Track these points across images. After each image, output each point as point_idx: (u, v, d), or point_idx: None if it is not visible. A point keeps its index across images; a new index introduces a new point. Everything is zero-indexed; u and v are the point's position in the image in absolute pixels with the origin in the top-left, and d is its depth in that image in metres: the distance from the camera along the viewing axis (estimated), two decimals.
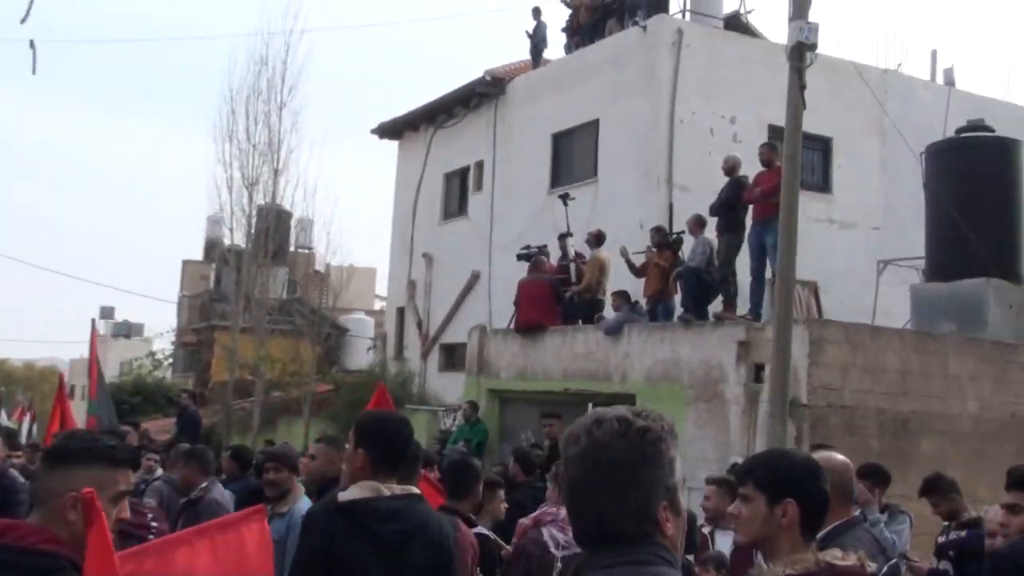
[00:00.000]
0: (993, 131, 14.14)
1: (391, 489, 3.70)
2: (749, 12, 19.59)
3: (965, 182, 13.39)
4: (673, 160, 17.08)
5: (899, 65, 19.32)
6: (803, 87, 10.17)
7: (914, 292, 14.08)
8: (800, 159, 10.45)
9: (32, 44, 12.64)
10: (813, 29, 10.00)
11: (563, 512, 5.84)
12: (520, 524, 6.38)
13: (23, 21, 12.45)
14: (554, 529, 6.19)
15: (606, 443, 2.09)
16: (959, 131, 14.17)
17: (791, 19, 10.15)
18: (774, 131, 17.47)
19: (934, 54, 19.92)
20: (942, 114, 18.73)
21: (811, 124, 14.41)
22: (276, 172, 21.64)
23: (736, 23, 19.40)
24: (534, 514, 6.39)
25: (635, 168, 17.44)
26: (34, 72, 13.13)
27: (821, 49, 11.40)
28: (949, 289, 13.29)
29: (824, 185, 18.75)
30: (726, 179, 16.30)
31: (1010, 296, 13.24)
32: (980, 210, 13.06)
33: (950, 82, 20.49)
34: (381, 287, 35.27)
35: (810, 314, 13.62)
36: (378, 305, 35.76)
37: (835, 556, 2.77)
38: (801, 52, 10.08)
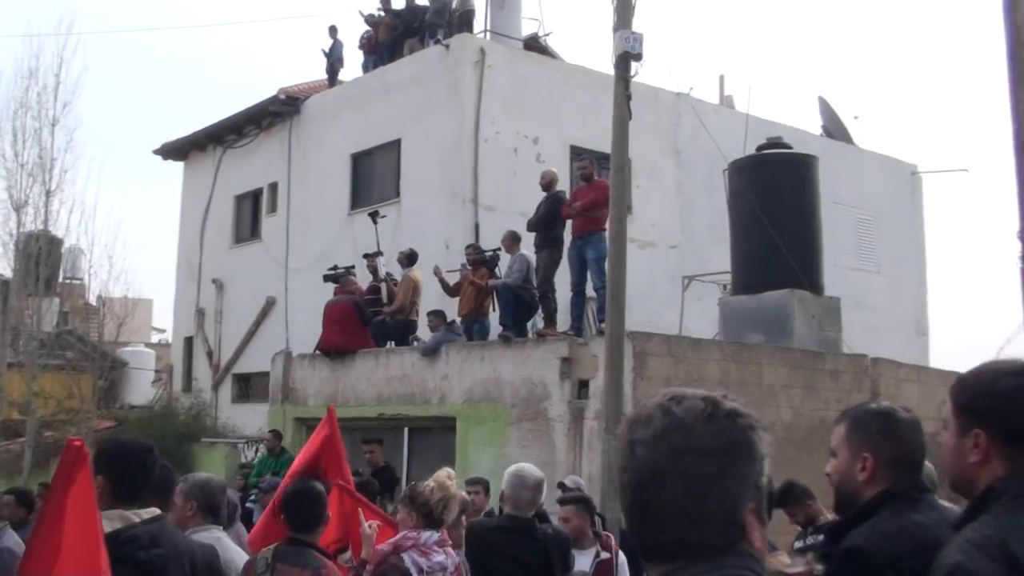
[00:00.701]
0: (791, 148, 14.57)
1: (139, 515, 3.66)
2: (548, 34, 19.68)
3: (767, 197, 13.67)
4: (478, 179, 16.78)
5: (691, 89, 19.81)
6: (628, 97, 10.05)
7: (723, 305, 14.28)
8: (628, 170, 10.31)
9: None
10: (638, 39, 9.91)
11: (424, 536, 5.37)
12: (378, 551, 5.79)
13: None
14: (415, 554, 5.64)
15: (688, 424, 1.63)
16: (759, 148, 14.52)
17: (615, 29, 10.02)
18: (576, 151, 17.66)
19: (722, 79, 20.56)
20: (731, 136, 19.34)
21: (609, 145, 14.61)
22: (48, 193, 19.89)
23: (535, 45, 19.42)
24: (392, 539, 5.83)
25: (439, 188, 17.05)
26: None
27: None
28: (756, 301, 13.54)
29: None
30: (531, 198, 16.42)
31: (812, 306, 13.61)
32: (782, 224, 13.36)
33: (731, 107, 21.21)
34: (158, 318, 33.46)
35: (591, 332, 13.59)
36: (155, 337, 33.83)
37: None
38: (627, 62, 9.96)
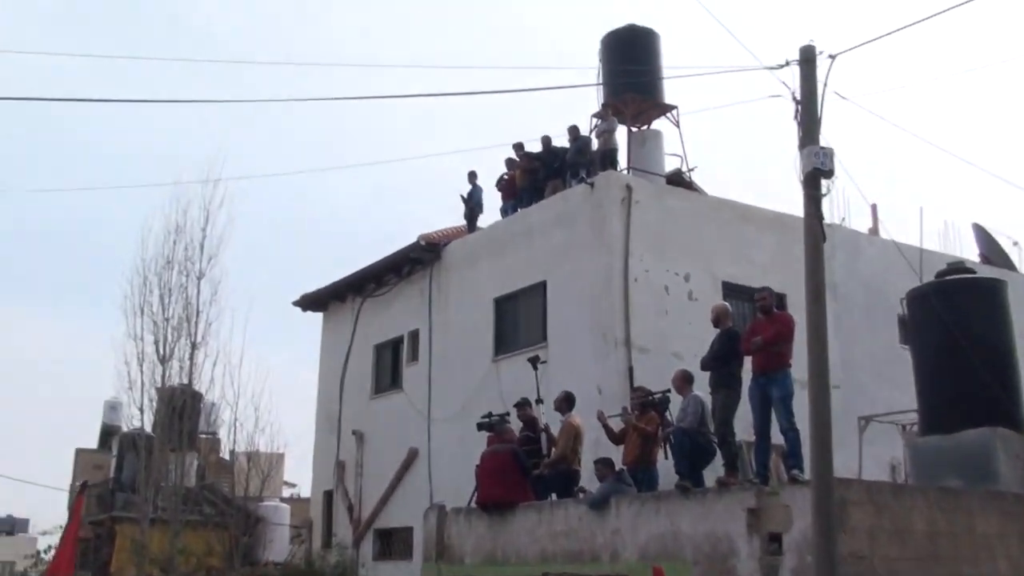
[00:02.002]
0: (975, 273, 13.36)
1: None
2: (692, 169, 19.04)
3: (955, 327, 12.41)
4: (629, 320, 15.90)
5: (843, 220, 18.79)
6: (821, 218, 9.11)
7: (913, 447, 12.92)
8: (824, 297, 9.29)
9: None
10: (828, 154, 9.04)
11: None
12: None
13: None
14: None
15: None
16: (939, 275, 13.31)
17: (801, 146, 9.18)
18: (729, 288, 16.74)
19: (874, 208, 19.51)
20: (889, 267, 18.19)
21: (764, 281, 13.65)
22: (194, 346, 19.75)
23: (679, 180, 18.78)
24: None
25: (589, 330, 16.20)
26: None
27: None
28: (951, 442, 12.12)
29: None
30: (686, 337, 15.46)
31: (1017, 445, 12.13)
32: (973, 355, 12.06)
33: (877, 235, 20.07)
34: (290, 472, 32.96)
35: (779, 481, 12.35)
36: (287, 492, 33.29)
37: None
38: (816, 179, 9.06)
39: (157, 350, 19.75)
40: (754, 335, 11.14)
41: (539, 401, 13.36)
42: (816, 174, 9.01)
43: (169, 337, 19.88)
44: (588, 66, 19.06)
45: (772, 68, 9.22)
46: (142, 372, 19.80)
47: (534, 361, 13.68)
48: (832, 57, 8.89)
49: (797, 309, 17.77)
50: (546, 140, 18.89)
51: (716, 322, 11.87)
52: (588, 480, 12.75)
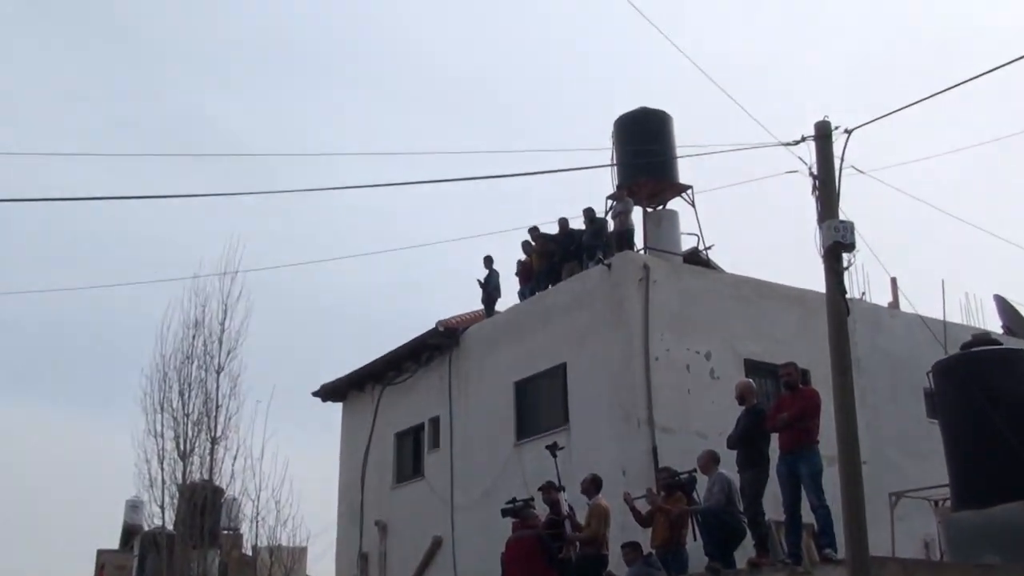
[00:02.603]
0: (1001, 344, 13.20)
1: None
2: (709, 248, 19.03)
3: (983, 398, 12.20)
4: (652, 400, 15.75)
5: (863, 295, 18.68)
6: (844, 292, 9.04)
7: (947, 523, 12.62)
8: (851, 371, 9.17)
9: None
10: (848, 228, 9.00)
11: None
12: None
13: None
14: None
15: None
16: (965, 346, 13.15)
17: (821, 221, 9.15)
18: (751, 365, 16.60)
19: (894, 282, 19.38)
20: (912, 341, 18.03)
21: (786, 357, 13.50)
22: (214, 441, 19.55)
23: (696, 259, 18.76)
24: None
25: (610, 411, 16.05)
26: None
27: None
28: (987, 517, 11.80)
29: None
30: (710, 416, 15.29)
31: None
32: (1005, 427, 11.81)
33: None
34: (312, 565, 32.42)
35: (812, 560, 12.07)
36: None
37: None
38: (837, 254, 9.01)
39: (177, 446, 19.51)
40: (780, 411, 11.02)
41: (561, 488, 13.13)
42: (837, 248, 8.97)
43: (189, 433, 19.64)
44: (601, 147, 19.15)
45: (788, 144, 9.26)
46: (163, 469, 19.53)
47: (552, 448, 13.47)
48: (848, 132, 8.93)
49: (821, 384, 17.52)
50: (563, 222, 18.96)
51: (740, 399, 11.74)
52: (616, 565, 12.48)
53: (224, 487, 20.90)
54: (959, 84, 8.93)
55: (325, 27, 65.46)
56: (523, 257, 19.68)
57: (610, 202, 19.12)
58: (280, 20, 61.66)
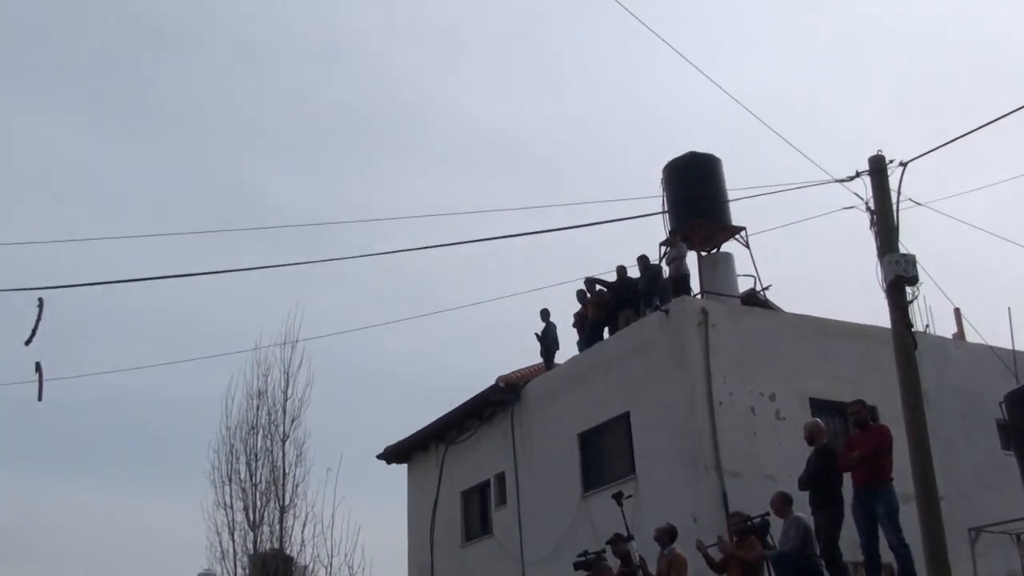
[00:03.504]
0: None
1: None
2: (766, 288, 18.95)
3: None
4: (718, 445, 15.63)
5: (926, 327, 18.42)
6: (909, 325, 8.97)
7: None
8: (922, 406, 9.06)
9: (39, 367, 11.00)
10: (909, 261, 8.95)
11: None
12: None
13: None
14: None
15: None
16: None
17: (881, 255, 9.11)
18: (817, 404, 16.42)
19: (958, 312, 19.16)
20: (980, 371, 17.76)
21: (851, 395, 13.34)
22: (283, 509, 19.68)
23: (754, 300, 18.68)
24: None
25: (677, 458, 15.94)
26: (40, 399, 11.22)
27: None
28: None
29: None
30: (778, 458, 15.12)
31: None
32: None
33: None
34: None
35: None
36: None
37: None
38: (900, 287, 8.95)
39: (247, 516, 19.65)
40: (851, 450, 10.88)
41: (630, 537, 13.04)
42: (899, 282, 8.92)
43: (258, 503, 19.81)
44: (651, 195, 19.23)
45: (842, 181, 9.27)
46: (233, 541, 19.65)
47: (618, 498, 13.39)
48: (903, 164, 8.92)
49: (889, 421, 17.34)
50: (621, 270, 18.94)
51: (810, 439, 11.63)
52: None
53: (295, 555, 20.99)
54: (1013, 112, 8.88)
55: (364, 92, 66.63)
56: (579, 308, 19.69)
57: (663, 248, 19.16)
58: (314, 91, 62.83)
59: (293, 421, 20.45)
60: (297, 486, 19.96)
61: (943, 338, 18.99)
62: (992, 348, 16.92)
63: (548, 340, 20.16)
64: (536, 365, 20.80)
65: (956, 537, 15.10)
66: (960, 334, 19.69)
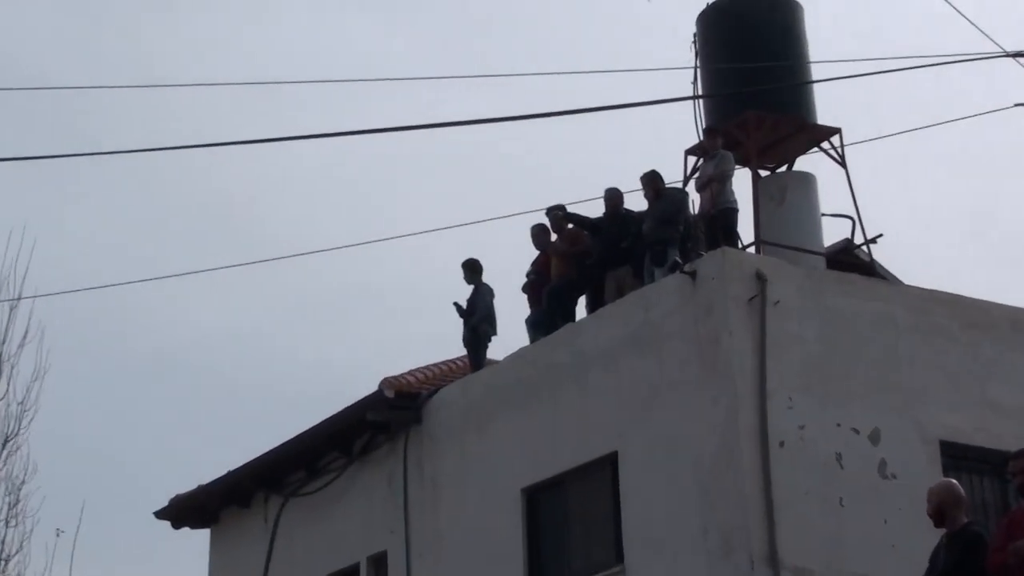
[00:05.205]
0: None
1: None
2: (874, 240, 19.58)
3: None
4: (774, 519, 15.88)
5: None
6: None
7: None
8: None
9: None
10: None
11: None
12: None
13: None
14: None
15: None
16: None
17: None
18: (953, 451, 17.19)
19: None
20: None
21: (1018, 436, 13.63)
22: None
23: (850, 261, 19.27)
24: None
25: (700, 538, 16.39)
26: None
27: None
28: None
29: None
30: (877, 543, 15.49)
31: None
32: None
33: None
34: None
35: None
36: None
37: None
38: None
39: None
40: (1011, 537, 10.99)
41: None
42: None
43: None
44: (674, 66, 19.26)
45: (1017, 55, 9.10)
46: None
47: None
48: None
49: None
50: (615, 196, 19.05)
51: (938, 515, 11.71)
52: None
53: None
54: None
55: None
56: (536, 256, 19.97)
57: (691, 160, 19.20)
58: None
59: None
60: (8, 561, 20.16)
61: None
62: None
63: (477, 316, 20.28)
64: (451, 361, 21.28)
65: None
66: None
